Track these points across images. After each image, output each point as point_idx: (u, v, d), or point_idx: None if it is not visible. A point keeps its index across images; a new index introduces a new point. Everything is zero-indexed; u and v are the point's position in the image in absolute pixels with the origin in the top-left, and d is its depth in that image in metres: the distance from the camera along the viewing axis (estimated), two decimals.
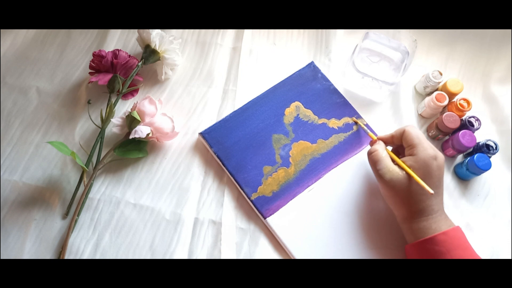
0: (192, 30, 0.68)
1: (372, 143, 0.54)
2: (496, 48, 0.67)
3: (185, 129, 0.60)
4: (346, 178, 0.56)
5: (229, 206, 0.55)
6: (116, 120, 0.57)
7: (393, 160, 0.49)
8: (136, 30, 0.63)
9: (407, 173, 0.47)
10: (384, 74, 0.60)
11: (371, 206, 0.55)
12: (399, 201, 0.48)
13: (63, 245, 0.52)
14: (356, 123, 0.59)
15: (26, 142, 0.59)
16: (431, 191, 0.44)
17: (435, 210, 0.46)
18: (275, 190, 0.55)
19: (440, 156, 0.48)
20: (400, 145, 0.52)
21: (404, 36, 0.60)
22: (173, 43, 0.61)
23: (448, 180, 0.58)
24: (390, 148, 0.55)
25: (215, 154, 0.57)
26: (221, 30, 0.68)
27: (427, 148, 0.47)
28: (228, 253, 0.52)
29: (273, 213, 0.54)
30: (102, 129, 0.58)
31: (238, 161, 0.56)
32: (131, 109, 0.57)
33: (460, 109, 0.58)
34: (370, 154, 0.50)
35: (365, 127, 0.57)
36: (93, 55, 0.61)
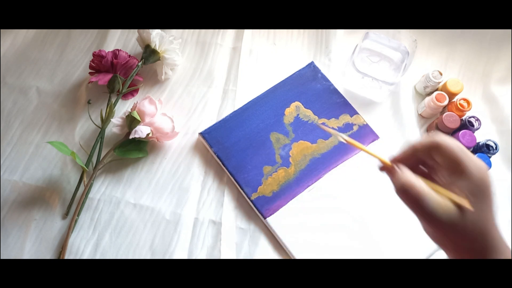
0: (192, 30, 0.68)
1: (385, 169, 0.36)
2: (496, 48, 0.67)
3: (185, 129, 0.60)
4: (346, 178, 0.56)
5: (229, 206, 0.55)
6: (116, 120, 0.57)
7: None
8: (136, 30, 0.63)
9: (455, 203, 0.32)
10: (384, 74, 0.60)
11: (371, 206, 0.55)
12: (459, 243, 0.35)
13: (63, 245, 0.52)
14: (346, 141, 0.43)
15: (26, 142, 0.59)
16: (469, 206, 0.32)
17: (501, 243, 0.35)
18: (275, 190, 0.55)
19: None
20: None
21: (404, 36, 0.60)
22: (173, 43, 0.61)
23: None
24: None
25: (215, 154, 0.57)
26: (221, 30, 0.68)
27: (478, 161, 0.33)
28: (228, 253, 0.52)
29: (273, 213, 0.54)
30: (102, 129, 0.58)
31: (238, 161, 0.56)
32: (131, 109, 0.57)
33: (460, 109, 0.58)
34: (405, 192, 0.33)
35: (365, 148, 0.40)
36: (93, 55, 0.61)
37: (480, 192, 0.33)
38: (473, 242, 0.34)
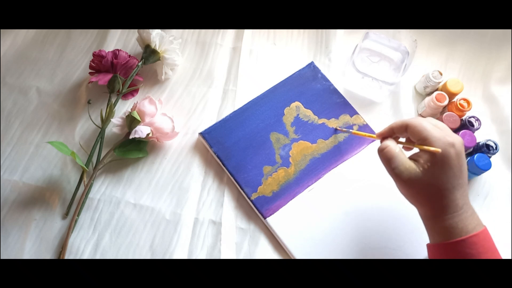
0: (192, 30, 0.68)
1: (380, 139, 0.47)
2: (496, 48, 0.67)
3: (185, 129, 0.60)
4: (346, 178, 0.56)
5: (229, 206, 0.55)
6: (116, 120, 0.57)
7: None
8: (136, 30, 0.63)
9: (424, 168, 0.41)
10: (384, 74, 0.60)
11: (371, 206, 0.55)
12: (420, 199, 0.43)
13: (63, 245, 0.52)
14: (341, 131, 0.58)
15: (26, 142, 0.59)
16: (439, 150, 0.40)
17: (459, 206, 0.41)
18: (275, 190, 0.55)
19: (458, 141, 0.42)
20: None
21: (404, 36, 0.60)
22: (173, 43, 0.61)
23: None
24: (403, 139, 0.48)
25: (215, 154, 0.57)
26: (221, 30, 0.68)
27: (441, 137, 0.41)
28: (228, 253, 0.52)
29: (273, 213, 0.54)
30: (102, 129, 0.58)
31: (238, 161, 0.56)
32: (131, 109, 0.57)
33: (460, 109, 0.58)
34: (381, 151, 0.44)
35: (360, 132, 0.55)
36: (93, 55, 0.61)
37: (439, 161, 0.41)
38: (430, 198, 0.42)
